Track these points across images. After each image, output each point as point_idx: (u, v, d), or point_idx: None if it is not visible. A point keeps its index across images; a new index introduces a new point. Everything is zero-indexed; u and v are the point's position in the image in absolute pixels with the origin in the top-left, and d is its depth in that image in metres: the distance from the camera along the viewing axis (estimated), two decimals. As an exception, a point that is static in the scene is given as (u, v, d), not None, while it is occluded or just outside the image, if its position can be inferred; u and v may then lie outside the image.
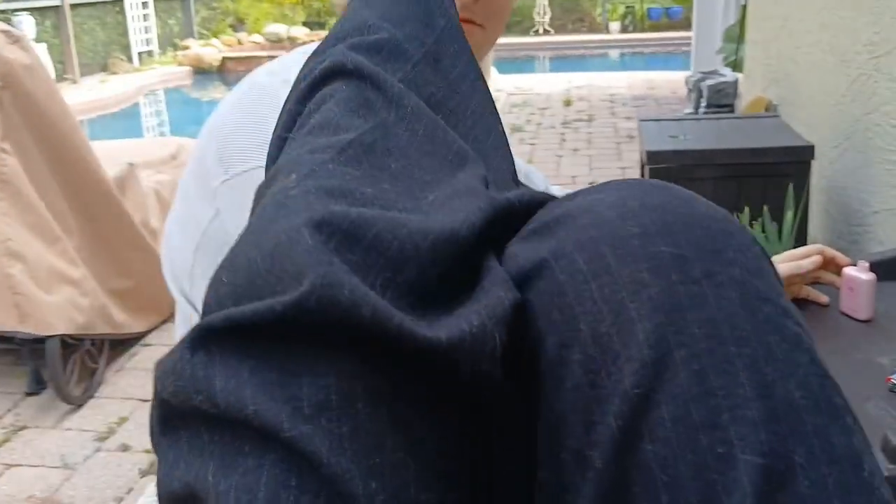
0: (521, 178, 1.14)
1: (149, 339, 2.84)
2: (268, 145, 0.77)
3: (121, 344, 2.75)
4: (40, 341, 2.33)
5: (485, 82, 0.53)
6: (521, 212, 0.40)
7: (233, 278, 0.34)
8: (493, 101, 0.53)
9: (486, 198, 0.39)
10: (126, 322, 2.67)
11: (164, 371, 0.33)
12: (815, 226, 2.46)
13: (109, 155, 2.83)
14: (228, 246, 0.95)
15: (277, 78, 0.85)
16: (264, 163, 0.76)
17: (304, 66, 0.51)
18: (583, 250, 0.37)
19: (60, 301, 2.37)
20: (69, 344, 2.44)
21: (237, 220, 0.81)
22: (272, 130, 0.79)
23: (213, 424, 0.31)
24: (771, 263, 0.39)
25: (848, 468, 0.34)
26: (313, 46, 0.90)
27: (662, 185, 0.40)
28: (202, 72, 10.79)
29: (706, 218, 0.38)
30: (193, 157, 0.88)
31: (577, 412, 0.35)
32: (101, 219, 2.61)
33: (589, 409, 0.35)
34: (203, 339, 0.32)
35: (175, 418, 0.32)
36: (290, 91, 0.50)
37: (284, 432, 0.30)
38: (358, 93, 0.45)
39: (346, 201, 0.35)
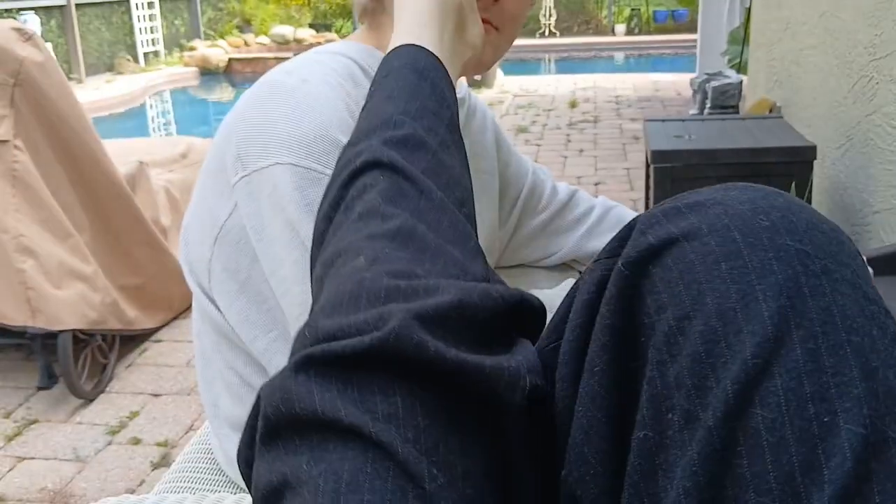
0: (527, 176, 1.17)
1: (159, 335, 2.88)
2: (285, 142, 0.81)
3: (131, 340, 2.79)
4: (52, 336, 2.37)
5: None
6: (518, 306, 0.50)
7: (325, 321, 0.44)
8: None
9: (504, 288, 0.49)
10: (137, 318, 2.71)
11: (272, 389, 0.42)
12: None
13: (120, 153, 2.87)
14: (246, 240, 0.99)
15: (293, 77, 0.88)
16: (280, 160, 0.80)
17: (342, 155, 0.61)
18: (715, 234, 0.43)
19: (72, 296, 2.41)
20: (80, 339, 2.47)
21: (253, 214, 0.85)
22: (289, 128, 0.83)
23: (303, 431, 0.40)
24: (870, 273, 0.45)
25: None
26: (327, 48, 0.95)
27: (784, 193, 0.47)
28: (208, 72, 10.85)
29: (823, 225, 0.44)
30: (211, 154, 0.91)
31: (693, 376, 0.40)
32: (112, 216, 2.65)
33: (703, 375, 0.40)
34: (305, 364, 0.42)
35: (273, 431, 0.41)
36: (333, 175, 0.60)
37: (366, 429, 0.39)
38: (394, 183, 0.56)
39: (406, 279, 0.46)
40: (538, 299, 0.51)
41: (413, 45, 0.71)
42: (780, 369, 0.39)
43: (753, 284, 0.41)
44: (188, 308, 3.02)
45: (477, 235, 0.60)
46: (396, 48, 0.71)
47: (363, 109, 0.67)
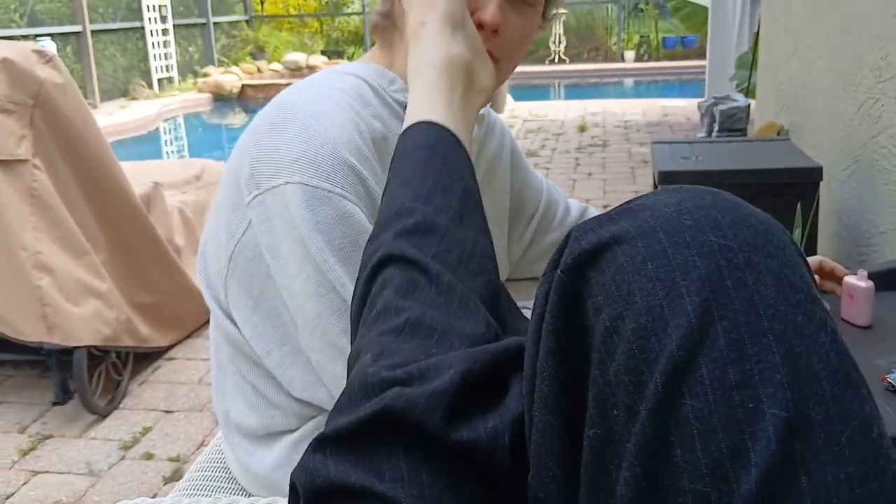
0: (542, 194, 1.20)
1: (171, 353, 2.91)
2: (295, 162, 0.84)
3: (144, 357, 2.82)
4: (67, 352, 2.40)
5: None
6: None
7: (334, 416, 0.53)
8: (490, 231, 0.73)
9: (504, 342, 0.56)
10: (150, 336, 2.74)
11: (300, 470, 0.50)
12: (823, 245, 2.50)
13: (136, 174, 2.92)
14: (259, 256, 1.02)
15: (302, 97, 0.91)
16: (291, 179, 0.84)
17: (366, 250, 0.69)
18: (642, 236, 0.45)
19: (87, 313, 2.45)
20: (95, 356, 2.51)
21: (266, 231, 0.88)
22: (299, 148, 0.86)
23: (327, 500, 0.48)
24: (805, 260, 0.47)
25: (859, 429, 0.40)
26: (338, 68, 0.98)
27: (714, 191, 0.49)
28: (221, 98, 10.95)
29: (751, 218, 0.45)
30: (227, 173, 0.94)
31: (630, 373, 0.42)
32: (127, 234, 2.69)
33: (639, 370, 0.42)
34: (321, 443, 0.50)
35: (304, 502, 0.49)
36: (360, 269, 0.68)
37: (377, 488, 0.47)
38: (406, 276, 0.63)
39: (404, 370, 0.52)
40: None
41: (424, 121, 0.76)
42: (706, 360, 0.41)
43: (678, 281, 0.43)
44: (200, 326, 3.05)
45: (497, 278, 0.67)
46: (409, 127, 0.77)
47: (383, 196, 0.73)
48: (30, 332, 2.36)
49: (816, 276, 1.20)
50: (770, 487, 0.38)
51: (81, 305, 2.44)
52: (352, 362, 0.59)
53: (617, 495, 0.42)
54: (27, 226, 2.40)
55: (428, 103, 0.77)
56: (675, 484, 0.40)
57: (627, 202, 0.50)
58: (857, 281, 1.19)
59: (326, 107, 0.88)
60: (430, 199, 0.68)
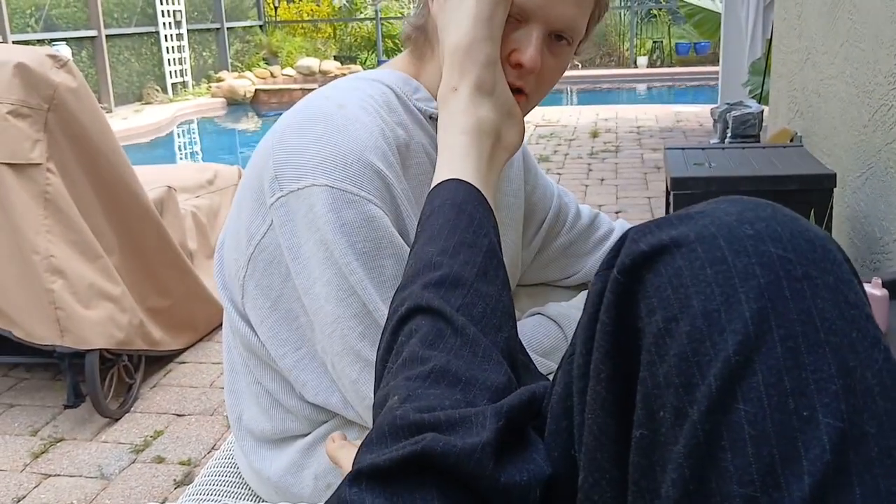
0: (553, 199, 1.20)
1: (183, 356, 2.92)
2: (322, 165, 0.84)
3: (156, 361, 2.83)
4: (79, 356, 2.41)
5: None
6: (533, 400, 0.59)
7: (365, 455, 0.55)
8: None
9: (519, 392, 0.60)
10: (162, 340, 2.75)
11: (337, 498, 0.52)
12: (837, 253, 2.49)
13: (149, 179, 2.93)
14: (280, 258, 1.03)
15: (331, 102, 0.91)
16: (316, 181, 0.84)
17: (393, 300, 0.72)
18: (703, 241, 0.46)
19: (100, 317, 2.46)
20: (107, 359, 2.52)
21: (288, 233, 0.88)
22: (326, 151, 0.87)
23: None
24: (859, 279, 0.47)
25: None
26: (365, 74, 0.99)
27: (773, 204, 0.49)
28: (235, 103, 11.01)
29: (809, 233, 0.46)
30: (249, 174, 0.95)
31: (680, 375, 0.43)
32: (140, 238, 2.70)
33: (690, 373, 0.43)
34: (357, 477, 0.52)
35: None
36: (387, 319, 0.71)
37: None
38: (432, 326, 0.65)
39: (432, 415, 0.55)
40: (543, 387, 0.60)
41: (453, 179, 0.80)
42: (762, 366, 0.41)
43: (737, 287, 0.43)
44: (212, 330, 3.06)
45: (516, 335, 0.70)
46: (438, 185, 0.80)
47: (411, 250, 0.77)
48: (42, 334, 2.37)
49: None
50: (823, 496, 0.38)
51: (94, 309, 2.45)
52: (378, 406, 0.62)
53: (662, 496, 0.43)
54: (41, 229, 2.41)
55: (458, 165, 0.81)
56: (723, 488, 0.40)
57: (686, 209, 0.50)
58: (872, 289, 1.18)
59: (354, 112, 0.88)
60: (457, 254, 0.71)
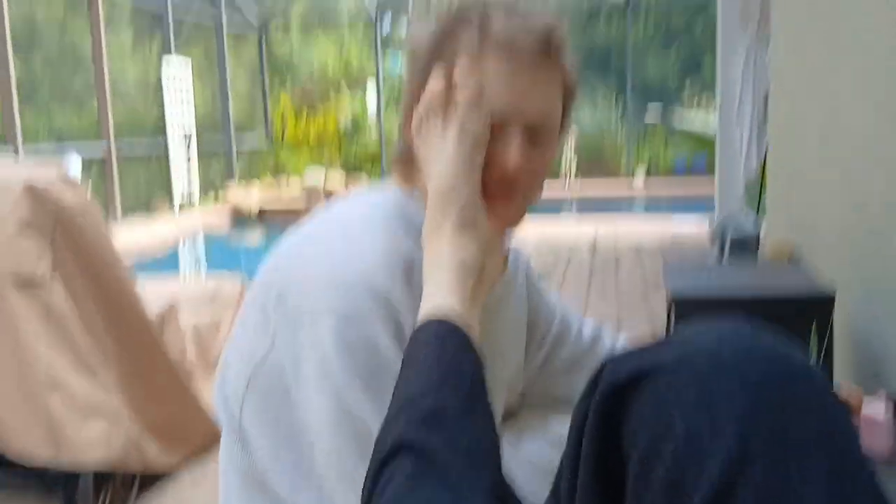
0: (556, 315, 1.20)
1: (179, 474, 2.85)
2: (327, 287, 0.86)
3: (152, 478, 2.76)
4: (73, 473, 2.36)
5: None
6: None
7: None
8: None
9: None
10: (157, 458, 2.70)
11: None
12: (840, 369, 2.47)
13: (151, 293, 2.95)
14: (281, 378, 1.04)
15: (334, 222, 0.94)
16: (320, 301, 0.85)
17: (378, 439, 0.71)
18: (684, 365, 0.46)
19: (96, 434, 2.42)
20: (101, 476, 2.46)
21: (291, 354, 0.88)
22: (331, 273, 0.88)
23: None
24: (845, 404, 0.48)
25: None
26: (368, 193, 1.01)
27: (752, 325, 0.50)
28: (241, 217, 11.17)
29: (790, 356, 0.47)
30: (254, 293, 0.96)
31: (667, 496, 0.42)
32: (140, 354, 2.69)
33: (678, 493, 0.42)
34: None
35: None
36: (372, 457, 0.70)
37: None
38: (416, 467, 0.65)
39: None
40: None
41: (438, 318, 0.81)
42: (744, 492, 0.42)
43: (719, 410, 0.44)
44: (208, 450, 3.00)
45: (500, 462, 0.69)
46: (424, 323, 0.81)
47: (396, 386, 0.76)
48: (37, 452, 2.33)
49: None
50: None
51: (90, 425, 2.42)
52: None
53: None
54: (41, 344, 2.41)
55: (442, 300, 0.82)
56: None
57: (666, 337, 0.51)
58: (876, 411, 1.17)
59: (357, 231, 0.90)
60: (441, 390, 0.71)
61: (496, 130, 0.90)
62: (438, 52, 0.94)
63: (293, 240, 0.94)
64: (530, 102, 0.91)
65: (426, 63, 0.94)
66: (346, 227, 0.91)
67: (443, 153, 0.88)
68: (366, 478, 0.69)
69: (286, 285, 0.89)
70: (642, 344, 0.52)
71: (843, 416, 0.47)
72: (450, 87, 0.90)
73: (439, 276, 0.85)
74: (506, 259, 0.94)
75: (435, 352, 0.76)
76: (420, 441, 0.66)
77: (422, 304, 0.84)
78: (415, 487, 0.62)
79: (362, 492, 0.69)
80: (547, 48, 0.92)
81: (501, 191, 0.91)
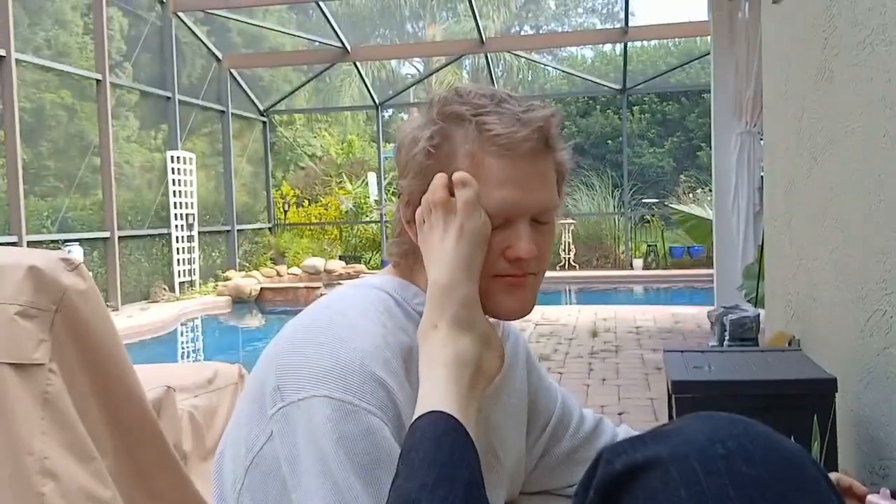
0: (557, 403, 1.20)
1: (169, 566, 2.77)
2: (323, 376, 0.86)
3: (141, 571, 2.69)
4: (63, 565, 2.30)
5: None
6: None
7: None
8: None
9: None
10: (149, 548, 2.63)
11: None
12: (844, 458, 2.44)
13: (148, 377, 2.93)
14: (277, 470, 1.03)
15: (333, 311, 0.94)
16: (316, 392, 0.85)
17: None
18: (676, 463, 0.46)
19: (87, 523, 2.37)
20: (91, 568, 2.39)
21: (288, 445, 0.87)
22: (327, 361, 0.88)
23: None
24: (838, 494, 0.47)
25: None
26: (364, 281, 1.03)
27: (746, 420, 0.50)
28: (241, 301, 11.17)
29: (782, 450, 0.47)
30: (251, 383, 0.96)
31: None
32: (136, 441, 2.66)
33: None
34: None
35: None
36: None
37: None
38: None
39: None
40: None
41: (433, 412, 0.81)
42: None
43: None
44: (202, 539, 2.93)
45: None
46: (419, 418, 0.82)
47: (392, 483, 0.76)
48: (26, 543, 2.27)
49: None
50: None
51: (82, 514, 2.37)
52: None
53: None
54: (36, 430, 2.38)
55: (438, 397, 0.83)
56: None
57: (660, 426, 0.51)
58: (880, 500, 1.15)
59: (356, 320, 0.91)
60: (436, 489, 0.71)
61: (506, 223, 0.93)
62: (435, 152, 0.96)
63: (290, 331, 0.94)
64: (533, 195, 0.94)
65: (423, 164, 0.96)
66: (344, 317, 0.92)
67: (443, 252, 0.90)
68: None
69: (283, 377, 0.89)
70: (637, 436, 0.52)
71: None
72: (450, 188, 0.92)
73: (435, 371, 0.85)
74: (503, 354, 0.94)
75: (429, 450, 0.76)
76: None
77: (418, 400, 0.84)
78: None
79: None
80: (544, 142, 0.95)
81: (514, 271, 0.94)
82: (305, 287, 11.24)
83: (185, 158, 11.64)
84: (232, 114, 13.33)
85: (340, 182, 15.71)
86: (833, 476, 1.17)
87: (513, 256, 0.93)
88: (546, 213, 0.96)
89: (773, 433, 0.49)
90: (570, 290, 12.89)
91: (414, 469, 0.74)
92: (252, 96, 14.23)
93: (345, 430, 0.83)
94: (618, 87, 14.25)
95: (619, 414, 4.55)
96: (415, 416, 0.81)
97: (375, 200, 15.02)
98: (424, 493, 0.70)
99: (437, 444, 0.76)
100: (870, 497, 1.16)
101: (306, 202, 15.42)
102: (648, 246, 14.11)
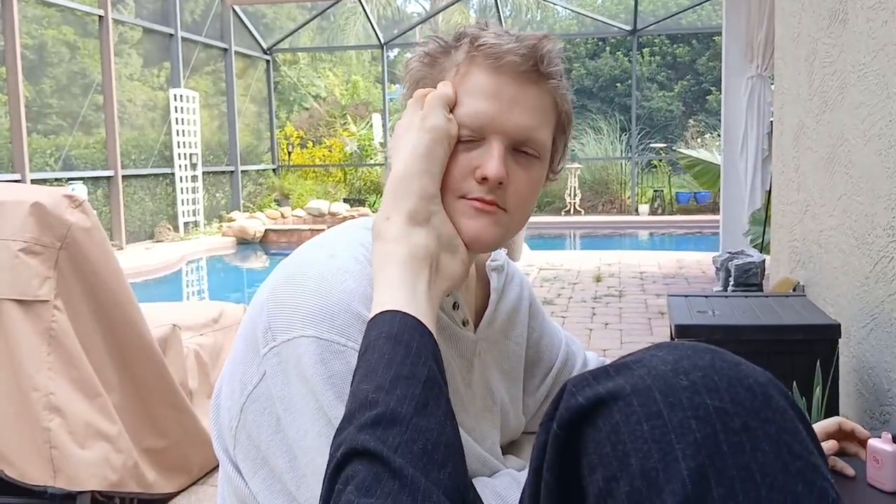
0: (561, 347, 1.19)
1: (178, 499, 2.83)
2: (310, 316, 0.85)
3: (150, 502, 2.74)
4: (71, 497, 2.34)
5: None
6: None
7: None
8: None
9: None
10: (156, 482, 2.68)
11: None
12: (845, 404, 2.45)
13: (154, 316, 2.95)
14: (271, 409, 1.03)
15: (323, 251, 0.93)
16: (305, 332, 0.85)
17: (332, 445, 0.69)
18: (638, 395, 0.45)
19: (94, 457, 2.41)
20: (99, 501, 2.44)
21: (280, 384, 0.88)
22: (315, 301, 0.88)
23: None
24: (808, 425, 0.46)
25: None
26: (358, 222, 1.01)
27: (712, 349, 0.49)
28: (245, 242, 11.19)
29: (749, 380, 0.45)
30: (245, 323, 0.96)
31: None
32: (142, 377, 2.68)
33: None
34: None
35: None
36: (326, 467, 0.67)
37: None
38: (369, 471, 0.62)
39: None
40: None
41: (388, 311, 0.79)
42: None
43: (673, 444, 0.43)
44: (206, 474, 2.98)
45: (464, 466, 0.67)
46: (373, 318, 0.80)
47: (351, 386, 0.74)
48: (35, 475, 2.32)
49: (834, 441, 1.17)
50: None
51: (89, 449, 2.41)
52: None
53: None
54: (42, 366, 2.40)
55: (391, 295, 0.81)
56: None
57: (624, 356, 0.50)
58: (882, 444, 1.15)
59: (345, 262, 0.90)
60: (393, 389, 0.69)
61: (477, 142, 0.91)
62: (432, 66, 0.95)
63: (281, 273, 0.94)
64: (511, 114, 0.90)
65: (416, 74, 0.96)
66: (333, 258, 0.91)
67: (404, 143, 0.89)
68: (322, 486, 0.67)
69: (273, 318, 0.89)
70: (601, 367, 0.51)
71: (809, 445, 0.45)
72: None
73: (388, 270, 0.83)
74: (468, 262, 0.91)
75: (385, 350, 0.74)
76: (374, 445, 0.64)
77: (373, 300, 0.82)
78: (371, 490, 0.60)
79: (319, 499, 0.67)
80: (534, 62, 0.91)
81: (482, 195, 0.90)
82: (310, 229, 11.24)
83: (187, 97, 11.54)
84: (235, 52, 13.17)
85: (345, 124, 15.59)
86: (835, 420, 1.18)
87: (480, 176, 0.89)
88: (527, 142, 0.92)
89: (742, 363, 0.47)
90: (574, 235, 12.89)
91: (369, 370, 0.72)
92: (255, 34, 14.04)
93: (333, 368, 0.83)
94: (628, 27, 14.03)
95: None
96: (370, 316, 0.80)
97: (380, 143, 14.90)
98: (381, 394, 0.69)
99: (392, 343, 0.74)
100: (871, 441, 1.17)
101: (310, 144, 15.33)
102: (655, 191, 14.05)
